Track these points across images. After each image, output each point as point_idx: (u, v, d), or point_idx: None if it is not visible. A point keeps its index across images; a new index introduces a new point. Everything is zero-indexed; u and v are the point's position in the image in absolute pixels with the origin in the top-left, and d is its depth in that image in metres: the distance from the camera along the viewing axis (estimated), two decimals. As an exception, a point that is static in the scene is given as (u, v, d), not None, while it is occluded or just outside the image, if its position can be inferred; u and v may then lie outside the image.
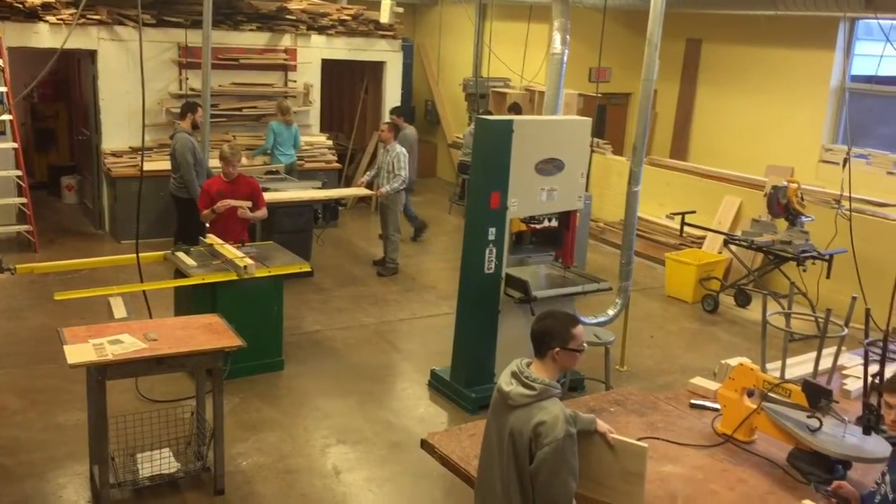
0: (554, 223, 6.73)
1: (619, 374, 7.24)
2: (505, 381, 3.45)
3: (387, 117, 12.19)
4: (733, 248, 9.19)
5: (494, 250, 6.30)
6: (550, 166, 6.36)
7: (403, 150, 9.81)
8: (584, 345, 3.48)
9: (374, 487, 5.39)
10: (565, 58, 8.21)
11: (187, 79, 10.84)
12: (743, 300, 9.18)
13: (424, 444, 4.21)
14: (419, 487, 5.38)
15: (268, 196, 8.50)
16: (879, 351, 4.57)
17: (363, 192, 10.23)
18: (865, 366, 4.58)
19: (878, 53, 8.88)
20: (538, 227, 6.70)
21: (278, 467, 5.53)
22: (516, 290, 6.30)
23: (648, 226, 11.18)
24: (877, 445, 4.03)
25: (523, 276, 6.33)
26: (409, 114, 14.61)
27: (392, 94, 12.92)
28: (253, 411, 6.27)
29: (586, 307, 7.80)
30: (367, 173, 10.27)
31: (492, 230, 6.27)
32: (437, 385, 6.82)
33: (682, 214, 9.43)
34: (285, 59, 11.65)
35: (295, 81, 11.81)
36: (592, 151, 11.61)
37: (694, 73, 13.12)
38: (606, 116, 13.42)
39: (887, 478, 3.12)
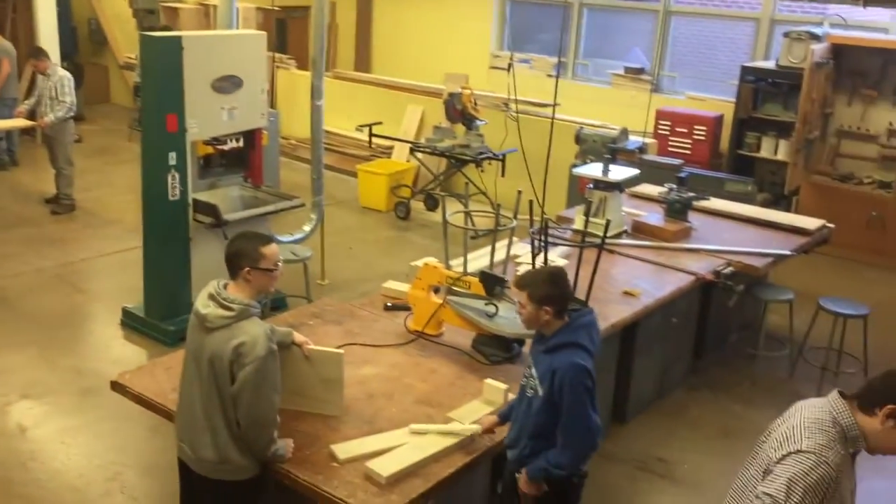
0: (240, 143, 6.55)
1: (321, 288, 7.36)
2: (202, 304, 3.35)
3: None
4: (419, 155, 9.60)
5: (178, 176, 6.02)
6: (228, 84, 6.13)
7: (67, 74, 8.89)
8: (279, 264, 3.45)
9: (68, 438, 5.04)
10: (235, -32, 7.84)
11: None
12: (432, 204, 9.67)
13: (115, 386, 4.00)
14: (120, 430, 5.13)
15: None
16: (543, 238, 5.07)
17: (23, 123, 9.15)
18: (533, 253, 5.07)
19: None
20: (225, 148, 6.48)
21: (-50, 437, 4.97)
22: (206, 216, 6.09)
23: (339, 139, 11.29)
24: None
25: (212, 201, 6.13)
26: (70, 34, 13.19)
27: (46, 14, 11.54)
28: (-89, 381, 5.53)
29: (283, 226, 7.76)
30: (26, 102, 9.19)
31: (172, 155, 5.96)
32: (132, 323, 6.46)
33: (370, 126, 9.62)
34: None
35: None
36: (276, 67, 11.41)
37: (370, -16, 13.24)
38: (287, 31, 13.15)
39: (534, 371, 3.40)
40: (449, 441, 3.52)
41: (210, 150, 6.36)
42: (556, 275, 3.45)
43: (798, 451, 2.55)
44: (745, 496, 2.76)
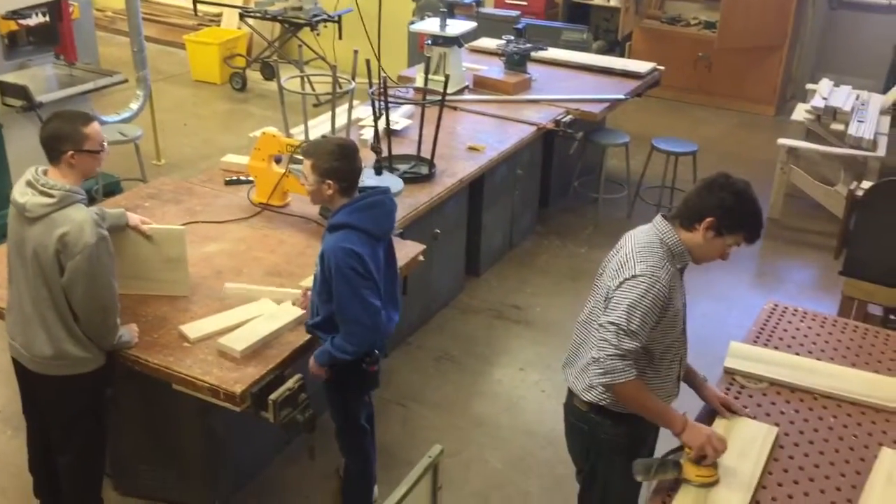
0: (47, 17, 5.96)
1: (158, 169, 6.99)
2: (19, 192, 3.09)
3: None
4: (250, 21, 9.07)
5: (-25, 56, 5.45)
6: (20, -53, 5.51)
7: None
8: (104, 144, 3.21)
9: None
10: None
11: None
12: (269, 73, 9.24)
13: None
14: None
15: None
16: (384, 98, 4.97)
17: None
18: (375, 114, 4.98)
19: None
20: (30, 23, 5.92)
21: None
22: (16, 98, 5.59)
23: (161, 8, 10.49)
24: (393, 182, 4.52)
25: (21, 81, 5.62)
26: None
27: None
28: None
29: (108, 105, 7.25)
30: None
31: (-34, 33, 5.37)
32: (-52, 223, 5.96)
33: (192, -8, 8.97)
34: None
35: None
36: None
37: None
38: None
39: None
40: (301, 311, 3.50)
41: (13, 25, 5.82)
42: (345, 147, 3.18)
43: (633, 277, 2.71)
44: (588, 326, 2.93)
